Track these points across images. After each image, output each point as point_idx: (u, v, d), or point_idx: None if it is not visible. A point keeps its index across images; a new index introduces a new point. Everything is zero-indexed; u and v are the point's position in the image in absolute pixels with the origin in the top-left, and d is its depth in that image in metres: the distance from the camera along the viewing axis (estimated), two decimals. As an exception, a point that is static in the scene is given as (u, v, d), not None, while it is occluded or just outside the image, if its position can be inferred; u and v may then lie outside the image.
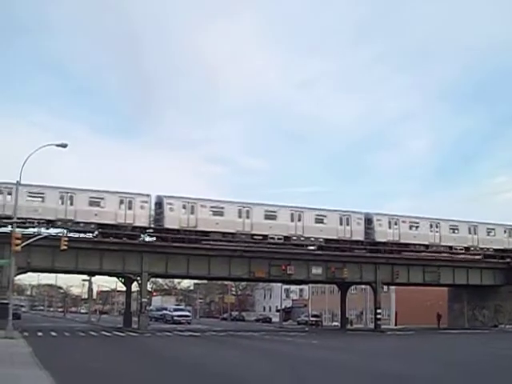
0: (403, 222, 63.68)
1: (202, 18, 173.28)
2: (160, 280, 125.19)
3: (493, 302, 70.64)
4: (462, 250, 66.57)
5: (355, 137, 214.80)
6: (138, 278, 56.21)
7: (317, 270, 61.84)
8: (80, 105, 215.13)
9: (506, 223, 69.45)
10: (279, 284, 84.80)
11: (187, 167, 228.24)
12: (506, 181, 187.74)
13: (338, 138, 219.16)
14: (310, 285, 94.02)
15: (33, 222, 50.95)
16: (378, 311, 64.66)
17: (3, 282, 47.51)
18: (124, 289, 73.65)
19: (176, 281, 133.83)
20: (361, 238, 61.94)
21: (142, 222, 54.41)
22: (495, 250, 67.98)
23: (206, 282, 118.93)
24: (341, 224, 60.87)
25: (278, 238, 58.68)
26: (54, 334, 46.95)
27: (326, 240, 60.42)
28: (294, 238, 59.26)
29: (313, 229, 59.66)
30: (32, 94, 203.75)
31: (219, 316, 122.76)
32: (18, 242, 36.69)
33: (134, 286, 66.21)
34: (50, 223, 51.94)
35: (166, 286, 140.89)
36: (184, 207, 55.57)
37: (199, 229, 55.80)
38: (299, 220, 59.20)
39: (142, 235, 55.48)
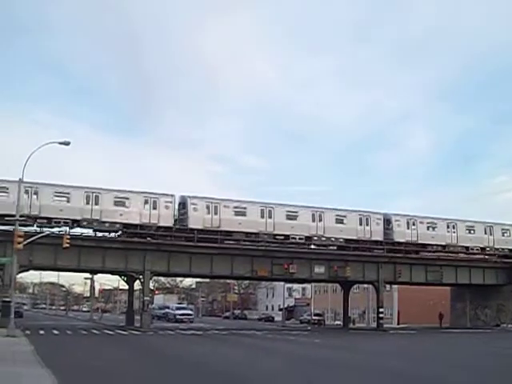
0: (421, 222, 64.31)
1: (202, 17, 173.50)
2: (162, 278, 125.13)
3: (495, 301, 70.52)
4: (478, 250, 67.22)
5: (355, 136, 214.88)
6: (141, 277, 56.17)
7: (319, 269, 61.82)
8: (81, 104, 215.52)
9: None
10: (282, 283, 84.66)
11: (188, 166, 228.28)
12: (506, 180, 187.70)
13: (338, 137, 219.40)
14: (313, 284, 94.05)
15: (59, 222, 51.42)
16: (381, 310, 64.59)
17: (5, 279, 47.52)
18: (126, 287, 73.71)
19: (178, 279, 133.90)
20: (380, 238, 62.53)
21: (166, 222, 54.70)
22: (510, 250, 68.61)
23: (208, 280, 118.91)
24: (360, 224, 61.52)
25: (300, 238, 59.21)
26: (55, 332, 46.94)
27: (346, 240, 60.93)
28: (315, 238, 59.80)
29: (333, 229, 60.23)
30: (33, 93, 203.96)
31: (221, 315, 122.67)
32: (20, 239, 36.73)
33: (137, 285, 66.29)
34: (75, 223, 52.29)
35: (168, 285, 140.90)
36: (207, 207, 55.94)
37: (222, 229, 56.23)
38: (320, 220, 59.74)
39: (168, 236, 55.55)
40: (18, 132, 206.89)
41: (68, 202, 51.75)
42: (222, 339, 43.35)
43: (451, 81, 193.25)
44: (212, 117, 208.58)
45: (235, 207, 57.11)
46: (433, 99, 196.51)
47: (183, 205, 55.97)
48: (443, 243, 65.22)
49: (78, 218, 51.88)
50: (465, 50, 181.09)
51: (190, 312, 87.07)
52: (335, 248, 61.66)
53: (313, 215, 59.62)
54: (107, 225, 53.16)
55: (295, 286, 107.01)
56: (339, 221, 60.73)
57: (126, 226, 53.72)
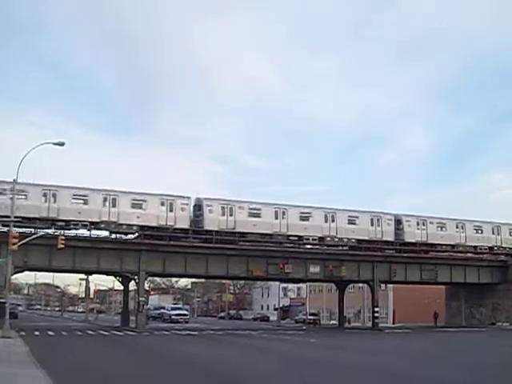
0: (431, 222, 65.24)
1: (201, 17, 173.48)
2: (157, 279, 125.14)
3: (490, 300, 70.70)
4: (486, 249, 68.36)
5: (355, 136, 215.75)
6: (136, 277, 56.13)
7: (315, 269, 61.87)
8: (77, 103, 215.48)
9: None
10: (277, 282, 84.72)
11: (187, 166, 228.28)
12: (502, 179, 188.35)
13: (338, 136, 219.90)
14: (308, 283, 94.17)
15: (77, 224, 52.02)
16: (376, 309, 64.76)
17: (0, 280, 47.39)
18: (121, 288, 73.61)
19: (174, 279, 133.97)
20: (391, 238, 63.31)
21: (182, 223, 55.27)
22: None
23: (203, 280, 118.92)
24: (372, 225, 62.31)
25: (313, 239, 60.02)
26: (51, 333, 46.82)
27: (358, 240, 61.66)
28: (328, 238, 60.43)
29: (345, 230, 61.04)
30: (28, 92, 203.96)
31: (217, 315, 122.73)
32: (15, 240, 36.66)
33: (132, 285, 66.15)
34: (93, 225, 52.72)
35: (163, 285, 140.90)
36: (223, 209, 56.47)
37: (237, 230, 56.78)
38: (333, 221, 60.42)
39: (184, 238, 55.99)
40: (12, 132, 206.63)
41: (86, 204, 52.42)
42: (217, 339, 43.31)
43: (451, 80, 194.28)
44: (211, 117, 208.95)
45: (250, 209, 57.77)
46: (432, 98, 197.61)
47: (198, 207, 56.48)
48: (452, 243, 66.26)
49: (97, 220, 52.49)
50: (464, 50, 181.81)
51: (185, 312, 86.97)
52: (347, 248, 62.33)
53: (325, 216, 60.39)
54: (124, 227, 53.78)
55: (290, 285, 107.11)
56: (351, 221, 61.64)
57: (142, 228, 54.11)
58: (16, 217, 47.69)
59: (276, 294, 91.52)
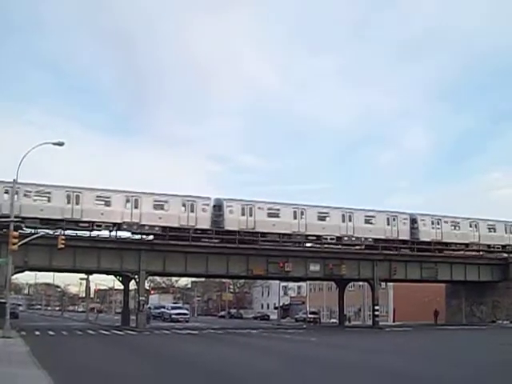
0: (445, 221, 65.90)
1: (201, 15, 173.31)
2: (158, 278, 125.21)
3: (490, 297, 70.78)
4: (499, 248, 68.96)
5: (355, 135, 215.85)
6: (136, 277, 56.14)
7: (315, 267, 61.88)
8: (76, 103, 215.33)
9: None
10: (277, 281, 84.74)
11: (186, 166, 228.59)
12: (500, 177, 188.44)
13: (338, 136, 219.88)
14: (308, 282, 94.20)
15: (100, 226, 52.64)
16: (376, 308, 64.75)
17: (0, 280, 47.37)
18: (122, 287, 73.64)
19: (174, 279, 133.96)
20: (407, 237, 63.78)
21: (203, 224, 55.81)
22: None
23: (203, 279, 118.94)
24: (388, 224, 62.86)
25: (331, 239, 60.48)
26: (51, 333, 46.84)
27: (375, 240, 62.26)
28: (346, 238, 60.97)
29: (362, 229, 61.60)
30: (28, 92, 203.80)
31: (217, 314, 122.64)
32: (15, 240, 36.66)
33: (132, 285, 66.17)
34: (115, 226, 53.30)
35: (163, 284, 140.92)
36: (243, 209, 56.97)
37: (257, 230, 57.29)
38: (350, 221, 60.93)
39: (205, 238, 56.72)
40: (11, 132, 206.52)
41: (109, 205, 52.89)
42: (217, 338, 43.37)
43: (450, 80, 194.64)
44: (211, 116, 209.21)
45: (269, 209, 58.28)
46: (432, 98, 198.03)
47: (219, 207, 56.83)
48: (466, 242, 66.75)
49: (119, 221, 53.01)
50: (464, 50, 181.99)
51: (185, 311, 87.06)
52: (363, 247, 63.01)
53: (343, 216, 60.95)
54: (147, 228, 54.11)
55: (290, 284, 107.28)
56: (368, 221, 62.25)
57: (164, 228, 54.41)
58: (40, 218, 50.04)
59: (276, 293, 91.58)
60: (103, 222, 52.66)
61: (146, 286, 69.92)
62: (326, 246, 61.05)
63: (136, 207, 53.52)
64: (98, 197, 52.98)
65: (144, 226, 53.90)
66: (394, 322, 78.67)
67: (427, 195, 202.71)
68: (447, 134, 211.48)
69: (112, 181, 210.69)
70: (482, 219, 68.20)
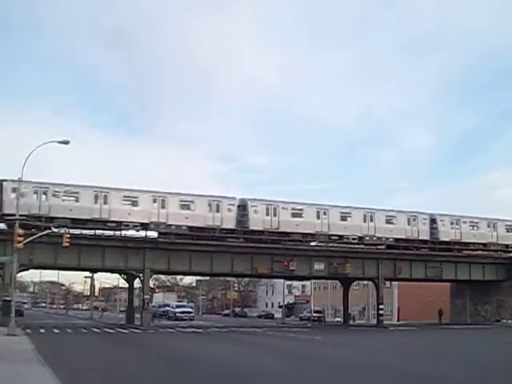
0: (464, 222, 66.81)
1: (203, 14, 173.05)
2: (162, 276, 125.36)
3: (495, 297, 70.72)
4: None
5: (357, 134, 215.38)
6: (141, 275, 56.25)
7: (319, 266, 61.90)
8: (79, 102, 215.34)
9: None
10: (282, 280, 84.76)
11: (187, 164, 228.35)
12: (501, 177, 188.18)
13: (340, 135, 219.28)
14: (313, 281, 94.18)
15: (127, 225, 53.43)
16: (381, 307, 64.71)
17: (6, 278, 47.58)
18: (126, 285, 73.71)
19: (178, 277, 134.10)
20: (426, 237, 64.61)
21: (228, 224, 56.51)
22: None
23: (208, 278, 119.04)
24: (408, 224, 63.66)
25: (353, 238, 61.31)
26: (56, 330, 46.96)
27: (396, 239, 63.10)
28: (367, 238, 61.81)
29: (384, 229, 62.56)
30: (28, 91, 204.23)
31: (221, 312, 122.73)
32: (20, 239, 36.72)
33: (137, 283, 66.27)
34: (142, 226, 53.93)
35: (168, 283, 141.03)
36: (267, 209, 57.70)
37: (281, 230, 58.04)
38: (371, 221, 61.81)
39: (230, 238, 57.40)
40: (10, 131, 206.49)
41: (136, 205, 53.70)
42: (221, 337, 43.42)
43: (452, 80, 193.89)
44: (214, 116, 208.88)
45: (292, 209, 58.89)
46: (434, 97, 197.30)
47: (243, 207, 57.59)
48: (484, 242, 67.43)
49: (147, 221, 53.74)
50: (466, 50, 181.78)
51: (189, 310, 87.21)
52: (384, 247, 63.76)
53: (364, 216, 61.91)
54: (174, 227, 54.68)
55: (295, 283, 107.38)
56: (389, 221, 63.19)
57: (191, 228, 55.02)
58: (69, 218, 51.18)
59: (280, 292, 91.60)
60: (131, 222, 53.43)
61: (151, 284, 69.95)
62: (330, 244, 61.03)
63: (163, 207, 54.27)
64: (125, 197, 53.83)
65: (171, 225, 54.57)
66: (398, 321, 78.64)
67: (427, 195, 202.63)
68: (448, 134, 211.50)
69: (113, 179, 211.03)
70: (500, 219, 69.08)
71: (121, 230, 53.66)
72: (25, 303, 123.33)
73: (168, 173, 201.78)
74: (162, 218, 54.08)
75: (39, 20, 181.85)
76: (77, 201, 52.01)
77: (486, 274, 69.17)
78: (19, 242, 36.51)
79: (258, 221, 57.23)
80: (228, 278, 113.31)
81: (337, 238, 60.83)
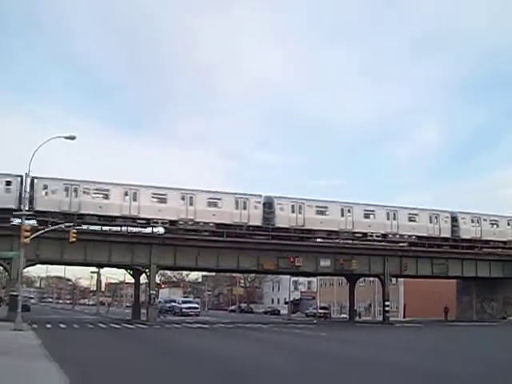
0: (484, 220, 67.34)
1: (206, 14, 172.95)
2: (168, 272, 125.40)
3: (501, 294, 70.64)
4: None
5: (367, 130, 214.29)
6: (147, 270, 56.34)
7: (325, 263, 61.87)
8: (85, 101, 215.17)
9: None
10: (288, 276, 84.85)
11: (198, 162, 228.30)
12: (509, 175, 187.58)
13: (349, 132, 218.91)
14: (319, 277, 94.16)
15: (156, 222, 54.25)
16: (387, 303, 64.65)
17: (12, 274, 47.76)
18: (132, 281, 73.84)
19: (184, 273, 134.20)
20: (448, 235, 65.40)
21: (255, 221, 57.09)
22: None
23: (214, 274, 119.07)
24: (430, 222, 64.30)
25: (376, 236, 61.97)
26: (63, 326, 47.06)
27: (418, 237, 63.85)
28: (390, 235, 62.50)
29: (406, 227, 63.32)
30: (31, 86, 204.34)
31: (227, 308, 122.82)
32: (27, 234, 36.84)
33: (143, 278, 66.39)
34: (172, 223, 54.52)
35: (174, 278, 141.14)
36: (293, 207, 58.37)
37: (306, 227, 58.78)
38: (394, 218, 62.47)
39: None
40: (24, 129, 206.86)
41: (165, 203, 54.34)
42: (227, 333, 43.47)
43: (464, 76, 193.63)
44: (222, 112, 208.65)
45: (317, 206, 59.62)
46: (444, 94, 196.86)
47: (269, 205, 58.31)
48: (504, 239, 67.99)
49: (175, 218, 54.35)
50: (478, 46, 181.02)
51: (196, 305, 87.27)
52: (406, 244, 64.22)
53: (387, 213, 62.58)
54: (201, 224, 55.40)
55: (301, 279, 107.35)
56: (411, 219, 63.83)
57: (218, 225, 55.64)
58: (99, 215, 52.12)
59: (287, 288, 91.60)
60: (160, 219, 54.05)
61: (157, 279, 70.04)
62: (336, 241, 61.00)
63: (191, 204, 54.80)
64: (154, 194, 54.43)
65: (199, 222, 55.16)
66: (404, 317, 78.59)
67: (436, 192, 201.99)
68: (460, 130, 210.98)
69: (112, 177, 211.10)
70: None
71: (149, 227, 54.60)
72: (31, 298, 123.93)
73: (168, 171, 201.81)
74: (190, 214, 54.76)
75: (38, 19, 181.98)
76: (107, 198, 52.79)
77: (492, 271, 68.98)
78: (26, 238, 36.64)
79: (283, 218, 57.82)
80: (234, 274, 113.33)
81: (360, 235, 61.55)
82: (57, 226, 45.28)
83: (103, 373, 17.74)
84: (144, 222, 54.11)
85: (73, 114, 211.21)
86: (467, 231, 65.95)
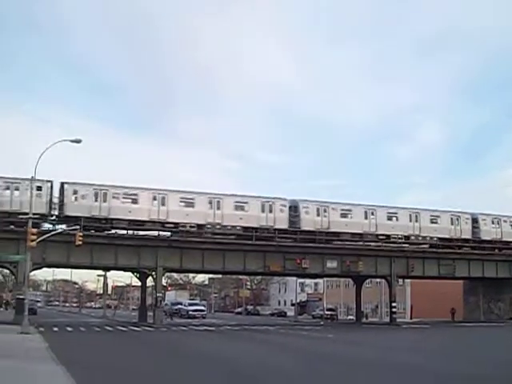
0: (504, 221, 67.73)
1: (206, 14, 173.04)
2: (175, 274, 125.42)
3: (508, 294, 70.38)
4: None
5: (368, 130, 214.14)
6: (153, 273, 56.41)
7: (332, 264, 61.83)
8: (90, 102, 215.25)
9: None
10: (294, 278, 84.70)
11: (198, 162, 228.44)
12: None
13: (352, 131, 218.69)
14: (325, 278, 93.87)
15: (184, 226, 54.63)
16: (394, 305, 64.50)
17: (19, 277, 47.86)
18: (139, 284, 73.87)
19: (191, 275, 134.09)
20: (468, 236, 65.70)
21: (281, 224, 57.63)
22: None
23: (220, 276, 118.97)
24: (451, 224, 64.74)
25: (399, 238, 62.52)
26: (69, 329, 47.11)
27: (440, 239, 64.31)
28: (413, 237, 63.17)
29: (428, 228, 63.78)
30: (42, 89, 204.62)
31: (234, 310, 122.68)
32: (34, 237, 36.87)
33: (149, 281, 66.40)
34: (199, 227, 55.11)
35: (180, 281, 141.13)
36: (317, 210, 58.99)
37: (331, 230, 59.40)
38: (416, 221, 63.01)
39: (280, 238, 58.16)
40: (28, 131, 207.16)
41: (193, 207, 54.95)
42: (234, 335, 43.40)
43: (467, 75, 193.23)
44: (223, 112, 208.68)
45: (341, 209, 60.40)
46: (448, 93, 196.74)
47: (294, 208, 58.79)
48: None
49: (203, 222, 54.98)
50: (481, 46, 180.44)
51: (202, 308, 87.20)
52: (427, 246, 64.73)
53: (410, 216, 63.06)
54: (229, 227, 56.02)
55: (307, 281, 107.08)
56: (433, 221, 64.27)
57: (245, 228, 56.17)
58: (128, 220, 52.72)
59: (293, 290, 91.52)
60: (187, 223, 54.43)
61: (163, 282, 70.08)
62: (342, 242, 60.94)
63: (218, 208, 55.35)
64: (182, 198, 54.96)
65: (226, 226, 55.69)
66: (411, 318, 78.41)
67: (445, 191, 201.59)
68: (463, 129, 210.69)
69: (113, 178, 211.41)
70: None
71: (178, 232, 54.71)
72: (38, 301, 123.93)
73: (169, 171, 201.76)
74: (217, 218, 55.29)
75: (38, 19, 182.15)
76: (136, 202, 53.31)
77: (499, 272, 68.71)
78: (32, 241, 36.67)
79: (309, 221, 58.36)
80: (240, 276, 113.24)
81: (384, 237, 61.95)
82: (62, 229, 45.34)
83: (110, 375, 17.74)
84: (172, 226, 54.60)
85: (73, 114, 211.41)
86: (488, 232, 66.32)
